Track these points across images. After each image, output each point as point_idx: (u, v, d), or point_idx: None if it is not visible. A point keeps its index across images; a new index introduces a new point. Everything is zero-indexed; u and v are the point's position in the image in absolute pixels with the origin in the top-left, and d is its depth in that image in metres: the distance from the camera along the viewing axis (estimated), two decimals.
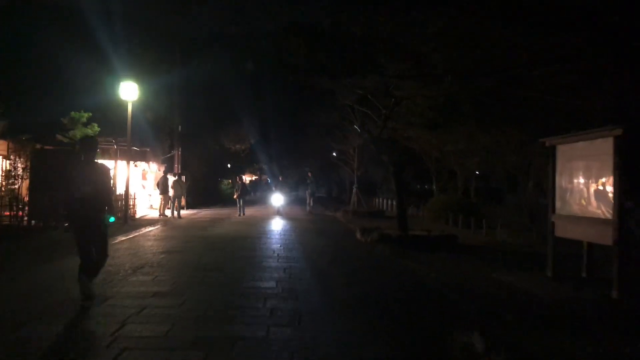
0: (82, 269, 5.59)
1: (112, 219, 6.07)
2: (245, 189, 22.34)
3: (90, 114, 15.73)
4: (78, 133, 15.22)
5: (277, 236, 13.02)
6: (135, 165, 20.64)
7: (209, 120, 32.86)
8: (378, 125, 14.31)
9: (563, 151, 8.51)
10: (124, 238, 12.26)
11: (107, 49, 18.49)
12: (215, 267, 7.99)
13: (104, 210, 5.78)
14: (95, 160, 5.98)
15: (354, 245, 11.72)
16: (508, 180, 26.07)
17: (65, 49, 16.68)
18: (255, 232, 14.09)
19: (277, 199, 21.29)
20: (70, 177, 5.66)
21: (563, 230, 8.26)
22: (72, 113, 15.40)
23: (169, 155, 25.94)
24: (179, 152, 26.73)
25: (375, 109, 14.63)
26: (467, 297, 6.46)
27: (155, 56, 23.16)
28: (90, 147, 5.93)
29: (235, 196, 21.12)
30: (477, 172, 27.13)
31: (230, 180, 47.70)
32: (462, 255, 10.52)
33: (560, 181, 8.53)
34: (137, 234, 13.37)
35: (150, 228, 14.86)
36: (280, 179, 23.60)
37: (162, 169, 22.52)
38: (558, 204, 8.57)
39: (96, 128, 15.80)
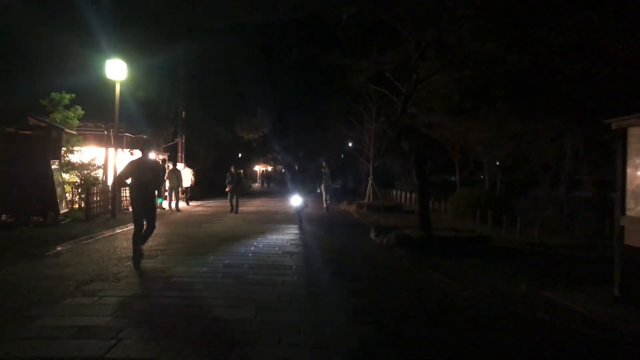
0: (135, 235, 7.42)
1: (160, 200, 8.66)
2: (239, 181, 18.56)
3: (73, 95, 14.04)
4: (58, 116, 13.56)
5: (275, 238, 11.15)
6: (131, 154, 18.94)
7: (219, 107, 31.18)
8: (397, 108, 12.43)
9: (638, 135, 6.53)
10: (100, 237, 10.59)
11: (96, 23, 16.76)
12: (185, 283, 6.18)
13: (154, 193, 7.89)
14: (151, 157, 8.03)
15: (368, 250, 9.83)
16: (534, 172, 23.98)
17: (45, 22, 15.00)
18: (253, 231, 12.28)
19: (296, 199, 14.11)
20: (131, 169, 7.53)
21: (638, 238, 6.31)
22: (52, 94, 13.72)
23: (171, 143, 24.26)
24: (183, 140, 25.08)
25: (394, 90, 12.74)
26: (521, 336, 4.59)
27: (154, 34, 21.44)
28: (149, 146, 8.51)
29: (227, 189, 17.30)
30: (498, 163, 25.01)
31: (242, 170, 46.13)
32: (499, 263, 8.62)
33: (634, 174, 6.58)
34: (119, 231, 11.70)
35: None
36: (297, 167, 17.95)
37: (160, 157, 20.78)
38: (630, 203, 6.59)
39: (80, 111, 14.12)
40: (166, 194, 18.28)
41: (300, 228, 12.64)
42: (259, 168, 62.79)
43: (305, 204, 14.31)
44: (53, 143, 12.37)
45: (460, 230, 11.80)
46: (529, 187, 26.37)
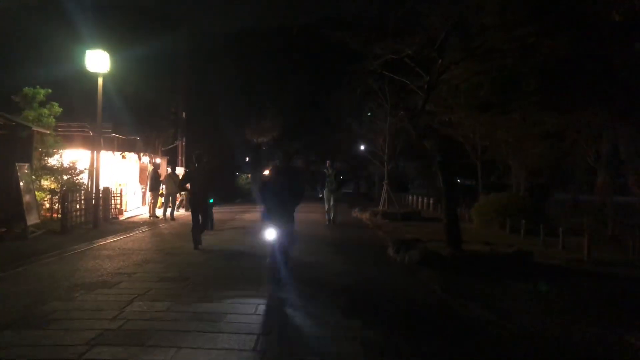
0: (193, 229, 9.42)
1: (211, 200, 10.29)
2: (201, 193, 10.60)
3: (50, 91, 12.44)
4: (31, 114, 11.97)
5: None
6: (123, 157, 17.38)
7: (226, 109, 29.65)
8: (418, 101, 10.68)
9: None
10: (69, 253, 8.92)
11: (84, 12, 15.21)
12: (134, 334, 4.33)
13: (207, 197, 9.80)
14: (203, 167, 9.60)
15: (386, 272, 8.00)
16: (559, 174, 22.12)
17: (27, 12, 13.45)
18: (251, 245, 10.56)
19: (271, 233, 6.60)
20: (189, 176, 9.70)
21: None
22: (25, 89, 12.14)
23: (171, 146, 22.66)
24: (184, 143, 23.46)
25: (414, 79, 10.96)
26: None
27: (153, 29, 19.91)
28: (201, 159, 9.60)
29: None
30: (512, 167, 23.03)
31: (249, 175, 44.46)
32: (551, 287, 6.84)
33: None
34: (95, 244, 10.04)
35: (121, 236, 11.49)
36: (278, 165, 7.86)
37: (154, 161, 19.15)
38: None
39: (57, 108, 12.54)
40: (162, 200, 16.70)
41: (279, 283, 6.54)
42: (268, 172, 61.07)
43: (291, 239, 6.83)
44: (21, 144, 10.76)
45: (493, 244, 9.98)
46: (554, 191, 24.46)
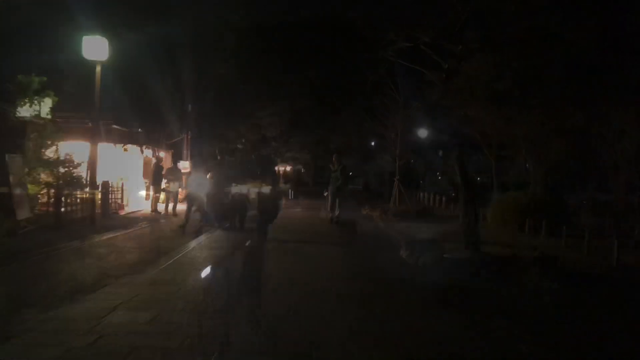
0: (203, 216, 11.12)
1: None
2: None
3: (45, 79, 11.83)
4: (26, 103, 11.37)
5: (276, 262, 8.78)
6: (125, 149, 16.78)
7: (234, 102, 28.98)
8: (434, 92, 9.98)
9: None
10: (57, 251, 8.34)
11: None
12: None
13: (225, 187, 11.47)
14: (224, 160, 13.90)
15: (399, 277, 7.28)
16: (578, 172, 21.33)
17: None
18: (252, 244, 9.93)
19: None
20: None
21: None
22: (20, 77, 11.55)
23: (176, 139, 22.03)
24: (189, 136, 22.80)
25: (429, 70, 10.26)
26: None
27: (157, 19, 19.28)
28: (223, 153, 14.86)
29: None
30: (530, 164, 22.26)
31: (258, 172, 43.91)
32: (587, 299, 6.19)
33: None
34: (87, 242, 9.49)
35: (118, 232, 10.88)
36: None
37: (157, 154, 18.55)
38: None
39: (52, 97, 11.93)
40: (162, 195, 16.10)
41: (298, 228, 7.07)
42: (275, 168, 60.42)
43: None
44: (13, 134, 10.17)
45: (514, 246, 9.28)
46: (572, 189, 23.63)
